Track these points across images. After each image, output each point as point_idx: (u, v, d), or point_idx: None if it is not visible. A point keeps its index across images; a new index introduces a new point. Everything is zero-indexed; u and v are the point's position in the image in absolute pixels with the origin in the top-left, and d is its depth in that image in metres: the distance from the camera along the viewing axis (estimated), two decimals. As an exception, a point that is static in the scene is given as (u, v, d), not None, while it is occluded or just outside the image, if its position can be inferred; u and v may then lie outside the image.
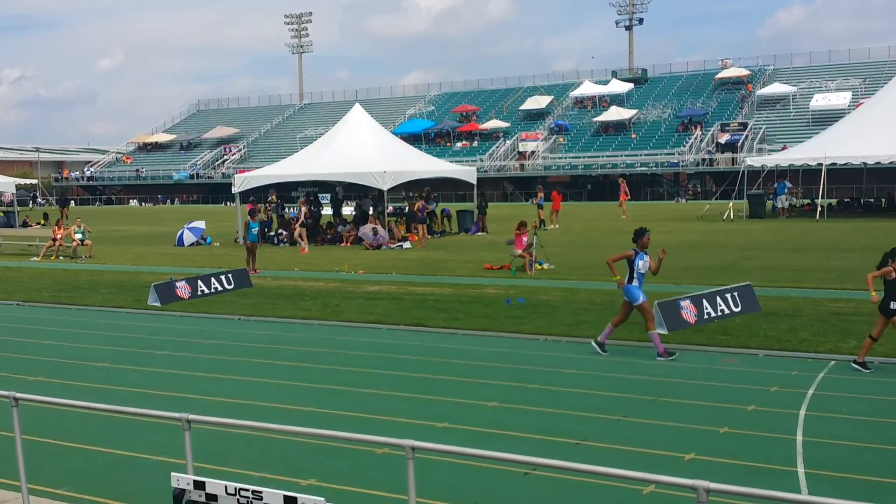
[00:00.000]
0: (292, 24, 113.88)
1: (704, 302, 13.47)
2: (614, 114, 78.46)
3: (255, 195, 35.51)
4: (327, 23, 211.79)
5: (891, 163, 37.70)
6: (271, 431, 6.97)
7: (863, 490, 6.64)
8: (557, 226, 36.43)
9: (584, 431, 8.28)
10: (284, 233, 32.35)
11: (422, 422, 8.72)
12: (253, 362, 12.01)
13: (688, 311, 13.13)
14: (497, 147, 79.95)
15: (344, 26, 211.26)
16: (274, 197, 36.21)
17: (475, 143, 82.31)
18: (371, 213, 33.07)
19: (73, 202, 53.63)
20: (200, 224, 34.12)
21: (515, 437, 8.13)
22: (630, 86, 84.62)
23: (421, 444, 4.76)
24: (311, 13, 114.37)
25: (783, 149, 52.77)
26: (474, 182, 36.93)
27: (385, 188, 30.78)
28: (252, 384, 10.70)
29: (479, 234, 33.77)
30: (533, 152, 77.42)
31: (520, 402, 9.44)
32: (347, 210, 38.46)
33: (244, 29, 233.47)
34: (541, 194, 37.73)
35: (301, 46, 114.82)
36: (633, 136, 75.56)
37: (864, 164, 41.87)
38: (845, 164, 39.58)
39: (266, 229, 33.80)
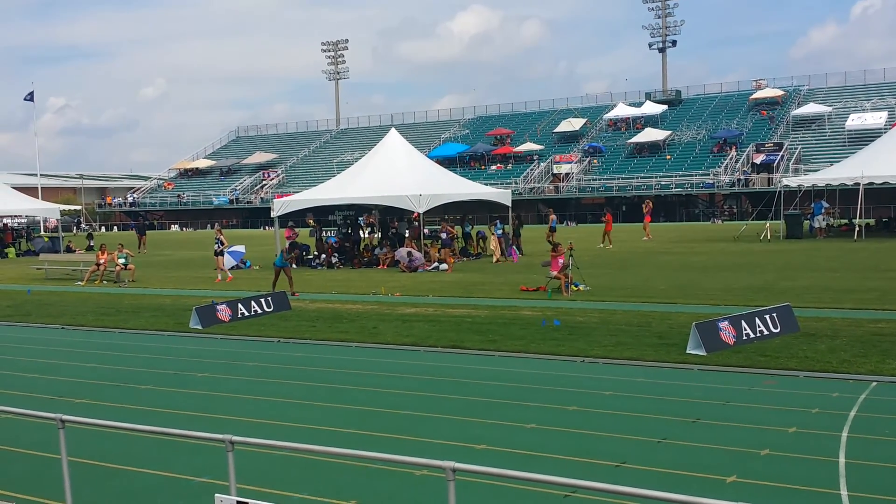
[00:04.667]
0: (329, 51, 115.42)
1: (743, 323, 13.38)
2: (648, 135, 78.24)
3: (294, 220, 35.86)
4: (362, 49, 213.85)
5: (932, 181, 37.15)
6: (313, 453, 7.07)
7: (908, 513, 6.56)
8: (611, 245, 36.44)
9: (623, 454, 8.26)
10: (323, 256, 32.64)
11: (460, 443, 8.76)
12: (293, 384, 12.13)
13: (726, 333, 13.04)
14: (531, 169, 79.98)
15: (378, 52, 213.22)
16: (311, 221, 36.54)
17: (509, 166, 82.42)
18: (407, 235, 33.22)
19: (146, 228, 51.45)
20: (240, 248, 34.51)
21: (554, 459, 8.14)
22: (664, 107, 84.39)
23: (462, 465, 4.80)
24: (347, 40, 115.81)
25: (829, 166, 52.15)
26: (509, 204, 36.98)
27: (421, 211, 30.95)
28: (292, 406, 10.81)
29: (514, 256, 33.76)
30: (567, 174, 77.32)
31: (558, 424, 9.44)
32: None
33: (282, 57, 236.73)
34: (552, 216, 37.78)
35: (338, 73, 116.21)
36: (668, 157, 75.21)
37: (904, 182, 41.26)
38: (883, 183, 39.05)
39: (304, 253, 34.17)
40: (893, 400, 9.95)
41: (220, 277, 28.01)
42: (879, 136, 49.98)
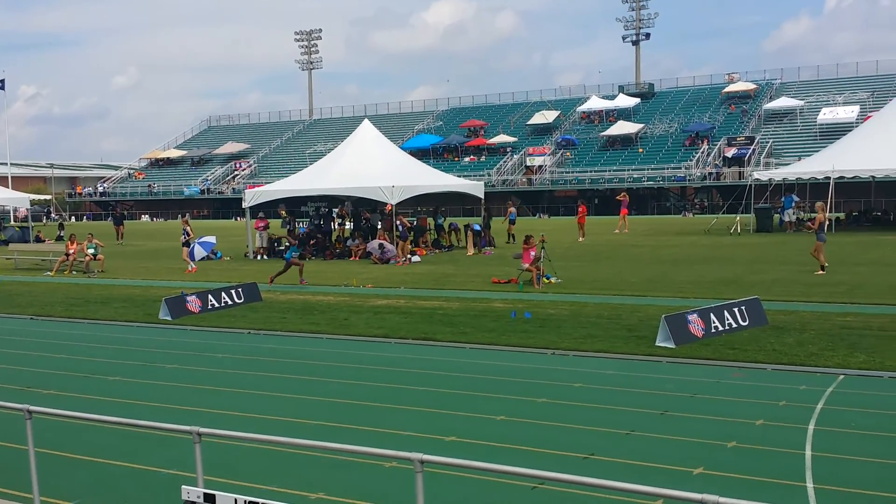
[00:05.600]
0: (302, 40, 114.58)
1: (712, 316, 13.49)
2: (621, 128, 78.58)
3: (265, 210, 35.66)
4: (336, 39, 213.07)
5: (899, 176, 37.63)
6: (281, 445, 7.02)
7: (872, 505, 6.65)
8: (583, 238, 36.61)
9: (592, 445, 8.30)
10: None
11: (430, 435, 8.76)
12: (262, 376, 12.07)
13: (695, 325, 13.14)
14: (504, 162, 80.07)
15: (351, 42, 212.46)
16: (283, 212, 36.36)
17: (483, 158, 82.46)
18: (379, 227, 33.15)
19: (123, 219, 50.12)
20: (211, 239, 34.26)
21: (523, 450, 8.16)
22: (637, 100, 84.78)
23: (430, 457, 4.80)
24: (320, 30, 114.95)
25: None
26: (482, 196, 37.01)
27: (393, 202, 30.89)
28: (262, 397, 10.76)
29: (487, 248, 33.83)
30: (540, 167, 77.50)
31: (528, 416, 9.46)
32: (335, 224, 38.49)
33: (255, 46, 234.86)
34: (511, 209, 37.84)
35: (311, 63, 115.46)
36: (640, 150, 75.60)
37: (873, 177, 41.79)
38: (853, 177, 39.50)
39: (275, 244, 33.99)
40: (860, 393, 10.07)
41: (191, 267, 27.80)
42: (851, 130, 50.58)
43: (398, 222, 31.10)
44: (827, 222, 22.18)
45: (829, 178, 37.42)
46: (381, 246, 29.37)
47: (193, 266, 28.03)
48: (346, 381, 11.56)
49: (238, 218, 69.83)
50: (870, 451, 7.90)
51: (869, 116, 54.81)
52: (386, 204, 31.53)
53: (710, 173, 68.80)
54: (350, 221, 36.70)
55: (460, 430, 8.94)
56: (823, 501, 6.73)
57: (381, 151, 34.79)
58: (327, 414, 9.78)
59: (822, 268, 21.48)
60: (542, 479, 6.60)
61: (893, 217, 42.58)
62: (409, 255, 29.71)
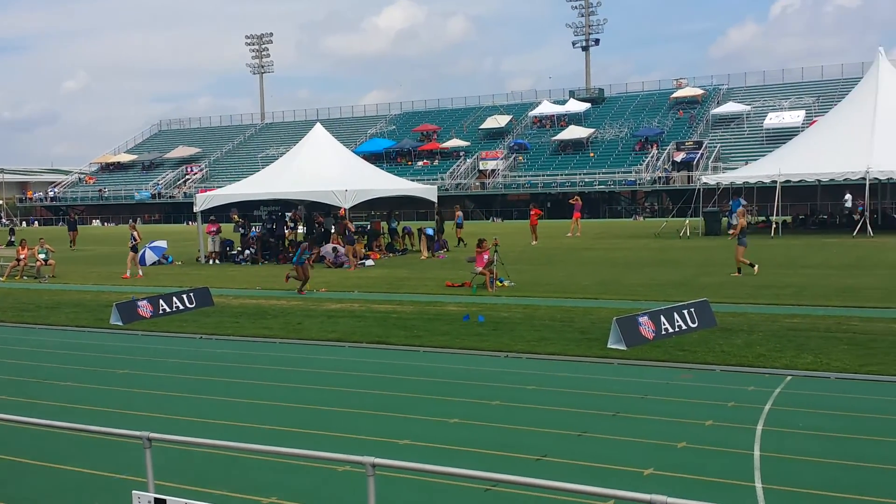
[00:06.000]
0: (253, 44, 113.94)
1: (662, 318, 13.66)
2: (572, 133, 79.31)
3: (217, 215, 35.31)
4: (287, 43, 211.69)
5: (845, 179, 38.51)
6: (232, 449, 6.97)
7: None
8: (536, 241, 36.85)
9: (544, 447, 8.35)
10: (248, 252, 32.25)
11: (383, 439, 8.74)
12: (214, 381, 11.94)
13: (646, 328, 13.30)
14: (458, 166, 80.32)
15: (303, 46, 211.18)
16: (236, 216, 36.02)
17: (436, 162, 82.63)
18: (332, 231, 33.01)
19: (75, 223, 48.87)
20: (162, 243, 33.85)
21: (476, 453, 8.19)
22: (587, 105, 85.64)
23: (381, 460, 4.80)
24: (271, 34, 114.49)
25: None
26: (435, 200, 37.09)
27: (347, 206, 30.80)
28: (214, 402, 10.65)
29: (440, 252, 33.88)
30: (493, 171, 77.89)
31: (481, 418, 9.50)
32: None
33: (205, 50, 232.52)
34: (458, 213, 37.98)
35: (262, 66, 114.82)
36: (591, 154, 76.37)
37: (818, 181, 42.71)
38: (799, 181, 40.35)
39: (227, 248, 33.65)
40: (807, 394, 10.27)
41: (139, 273, 27.40)
42: (797, 135, 51.67)
43: (344, 226, 30.92)
44: (747, 227, 22.70)
45: (775, 182, 38.18)
46: (334, 250, 29.26)
47: (139, 272, 27.61)
48: (298, 385, 11.50)
49: (190, 222, 69.05)
50: (817, 451, 8.06)
51: (814, 121, 56.00)
52: (339, 208, 31.42)
53: (660, 177, 69.74)
54: (303, 225, 36.48)
55: (414, 433, 8.94)
56: (771, 501, 6.85)
57: (334, 155, 34.72)
58: (280, 418, 9.72)
59: (739, 270, 21.95)
60: (494, 481, 6.65)
61: (838, 220, 43.55)
62: (362, 259, 29.64)
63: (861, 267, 23.55)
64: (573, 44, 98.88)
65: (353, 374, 12.05)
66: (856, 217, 38.43)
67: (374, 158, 74.31)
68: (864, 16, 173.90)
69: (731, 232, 26.93)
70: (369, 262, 29.44)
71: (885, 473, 7.37)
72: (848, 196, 46.44)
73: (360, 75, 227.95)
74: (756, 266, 21.84)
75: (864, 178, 35.96)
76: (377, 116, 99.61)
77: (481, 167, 79.11)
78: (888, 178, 37.57)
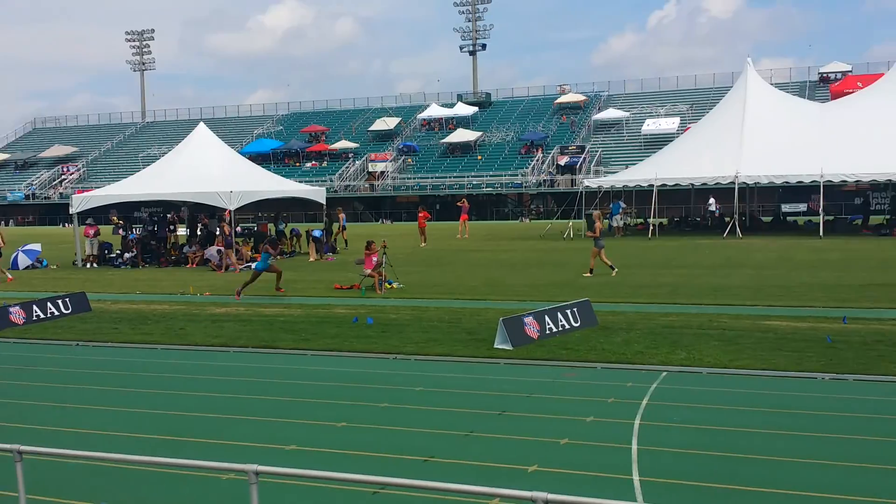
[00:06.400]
0: (134, 40, 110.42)
1: (546, 318, 13.98)
2: (460, 136, 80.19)
3: (94, 216, 34.05)
4: (169, 40, 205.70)
5: (716, 184, 40.27)
6: (110, 461, 6.75)
7: (694, 495, 7.06)
8: (425, 243, 37.02)
9: (432, 448, 8.43)
10: (127, 255, 31.22)
11: (270, 445, 8.64)
12: (91, 389, 11.53)
13: (531, 328, 13.59)
14: (347, 167, 79.95)
15: (186, 44, 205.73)
16: (115, 218, 34.84)
17: (324, 164, 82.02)
18: (217, 233, 32.33)
19: None
20: (36, 246, 32.37)
21: (364, 456, 8.20)
22: (475, 109, 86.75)
23: (264, 468, 4.76)
24: (153, 30, 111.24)
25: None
26: (323, 202, 36.84)
27: (232, 208, 30.23)
28: (92, 412, 10.28)
29: (329, 254, 33.67)
30: (382, 173, 77.91)
31: (369, 421, 9.51)
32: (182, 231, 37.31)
33: (82, 45, 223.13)
34: (342, 215, 38.03)
35: (143, 64, 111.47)
36: (479, 157, 77.37)
37: (692, 184, 44.54)
38: (675, 185, 41.99)
39: (106, 251, 32.49)
40: (681, 388, 10.70)
41: (8, 277, 26.17)
42: (672, 141, 53.72)
43: (220, 229, 30.37)
44: (604, 229, 23.63)
45: (652, 185, 39.63)
46: (219, 252, 28.67)
47: (9, 276, 26.37)
48: (181, 392, 11.22)
49: (66, 224, 66.34)
50: (691, 443, 8.41)
51: (688, 128, 58.37)
52: (225, 210, 30.82)
53: (545, 180, 71.29)
54: (186, 228, 35.61)
55: (301, 438, 8.88)
56: (648, 493, 7.11)
57: (218, 156, 34.02)
58: (161, 427, 9.46)
59: (591, 271, 22.86)
60: (381, 484, 6.69)
61: (710, 222, 45.53)
62: (248, 262, 29.14)
63: (730, 267, 24.70)
64: (461, 48, 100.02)
65: (239, 380, 11.85)
66: (726, 220, 40.27)
67: (261, 159, 73.24)
68: (735, 27, 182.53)
69: (587, 233, 27.76)
70: (255, 266, 28.91)
71: (755, 463, 7.77)
72: (712, 200, 48.64)
73: (246, 74, 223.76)
74: (615, 269, 22.53)
75: (733, 183, 37.73)
76: (264, 116, 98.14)
77: (370, 169, 79.03)
78: (755, 183, 39.50)
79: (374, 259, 21.19)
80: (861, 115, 38.92)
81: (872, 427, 8.77)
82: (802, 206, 54.36)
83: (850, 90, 60.14)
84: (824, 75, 78.09)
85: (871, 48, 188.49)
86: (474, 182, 72.48)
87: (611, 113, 79.82)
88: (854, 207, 49.77)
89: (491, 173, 73.31)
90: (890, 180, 38.39)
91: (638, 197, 46.75)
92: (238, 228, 33.86)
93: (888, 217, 42.98)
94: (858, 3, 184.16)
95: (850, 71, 76.50)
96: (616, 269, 22.46)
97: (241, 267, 28.32)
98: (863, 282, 20.11)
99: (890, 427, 8.78)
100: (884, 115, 37.79)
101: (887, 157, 35.65)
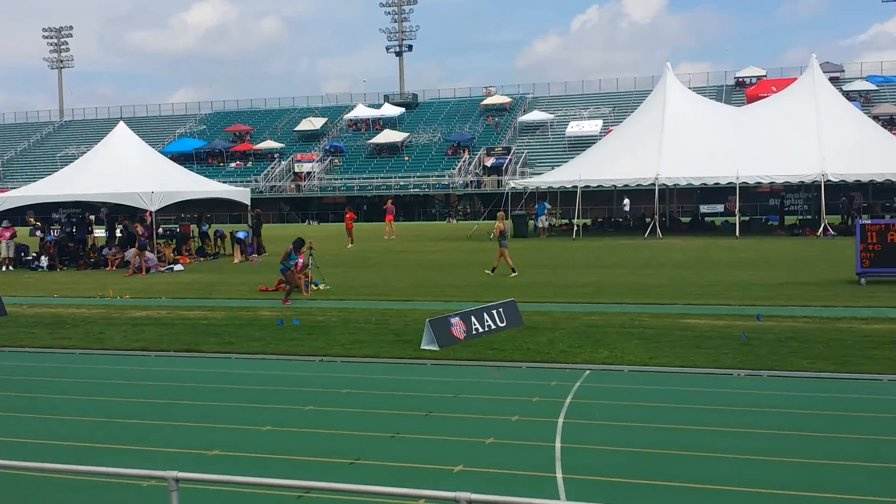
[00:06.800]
0: (51, 37, 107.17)
1: (472, 318, 14.09)
2: (387, 136, 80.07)
3: (10, 217, 32.97)
4: (87, 37, 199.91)
5: (637, 185, 41.09)
6: (26, 470, 6.58)
7: (616, 491, 7.20)
8: (352, 245, 36.85)
9: (358, 450, 8.42)
10: (44, 257, 30.31)
11: (193, 450, 8.52)
12: (7, 396, 11.16)
13: (457, 328, 13.67)
14: (272, 168, 79.05)
15: (105, 41, 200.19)
16: (32, 219, 33.80)
17: (249, 164, 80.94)
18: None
19: None
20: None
21: (290, 460, 8.14)
22: (402, 110, 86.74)
23: (184, 474, 4.70)
24: (71, 27, 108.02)
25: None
26: (248, 203, 36.39)
27: (153, 209, 29.64)
28: (6, 419, 9.95)
29: (254, 255, 33.26)
30: (309, 173, 77.28)
31: (294, 424, 9.45)
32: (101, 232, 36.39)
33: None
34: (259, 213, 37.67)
35: (61, 61, 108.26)
36: (406, 158, 77.39)
37: (615, 186, 45.33)
38: (597, 186, 42.68)
39: (23, 253, 31.47)
40: (604, 386, 10.91)
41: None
42: (595, 143, 54.60)
43: (135, 230, 29.68)
44: (506, 230, 24.03)
45: (576, 186, 40.24)
46: (140, 254, 28.03)
47: None
48: (100, 398, 10.96)
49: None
50: (613, 440, 8.58)
51: (610, 130, 59.46)
52: (146, 211, 30.19)
53: (472, 181, 71.69)
54: (105, 229, 34.74)
55: (225, 443, 8.77)
56: (571, 490, 7.24)
57: (139, 155, 33.35)
58: (80, 434, 9.24)
59: (493, 269, 23.22)
60: (306, 488, 6.67)
61: (632, 223, 46.46)
62: (171, 264, 28.64)
63: (651, 266, 25.27)
64: (387, 49, 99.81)
65: (160, 385, 11.64)
66: (647, 220, 41.14)
67: (184, 159, 71.91)
68: (655, 32, 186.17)
69: (491, 236, 27.99)
70: (178, 267, 28.46)
71: (675, 458, 7.98)
72: (626, 200, 49.63)
73: (168, 73, 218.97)
74: (516, 271, 22.85)
75: (653, 184, 38.59)
76: (186, 116, 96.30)
77: (296, 169, 78.31)
78: (675, 184, 40.45)
79: (301, 260, 21.02)
80: (775, 118, 40.25)
81: (785, 421, 9.08)
82: (720, 207, 55.88)
83: (765, 94, 62.13)
84: (740, 80, 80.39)
85: (784, 53, 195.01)
86: (401, 183, 72.46)
87: (536, 115, 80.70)
88: (769, 208, 51.37)
89: (418, 174, 73.41)
90: (803, 182, 39.76)
91: (563, 198, 47.38)
92: (160, 230, 33.22)
93: (801, 217, 44.53)
94: (772, 10, 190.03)
95: (765, 75, 78.90)
96: (516, 272, 22.76)
97: (163, 269, 27.78)
98: (777, 280, 20.81)
99: (802, 421, 9.12)
100: (797, 119, 39.14)
101: (801, 159, 36.94)
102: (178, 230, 34.86)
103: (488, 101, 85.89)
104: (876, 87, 73.86)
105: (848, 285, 19.56)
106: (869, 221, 21.45)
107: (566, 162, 52.69)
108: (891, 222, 20.77)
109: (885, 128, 54.14)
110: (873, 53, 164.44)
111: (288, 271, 19.53)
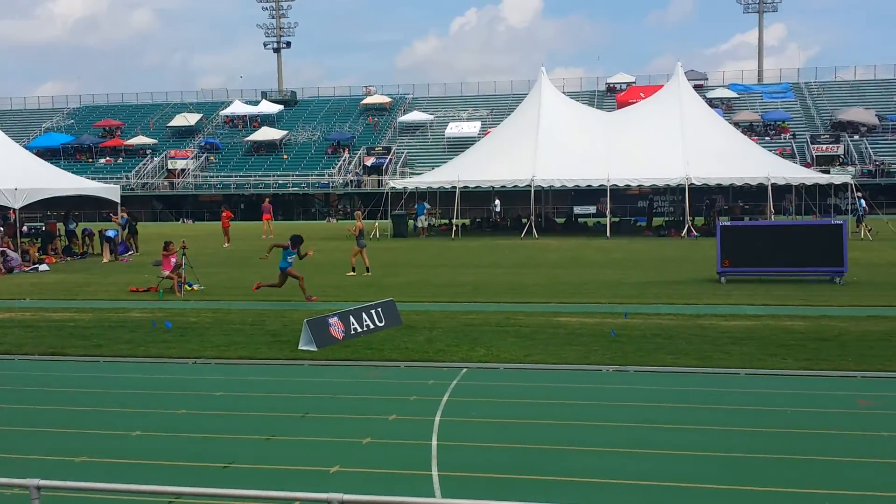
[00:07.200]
0: None
1: (351, 318, 14.09)
2: (265, 134, 78.75)
3: None
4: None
5: (514, 186, 41.91)
6: None
7: (491, 487, 7.37)
8: (228, 244, 36.16)
9: (232, 454, 8.31)
10: None
11: (58, 457, 8.21)
12: None
13: (336, 328, 13.65)
14: (144, 164, 76.50)
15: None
16: None
17: (120, 160, 78.05)
18: (1, 233, 30.08)
19: None
20: None
21: (161, 465, 7.97)
22: (280, 107, 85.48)
23: (47, 482, 4.57)
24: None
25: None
26: (118, 200, 35.11)
27: (17, 207, 28.24)
28: None
29: (129, 254, 32.17)
30: (183, 170, 75.19)
31: (165, 429, 9.23)
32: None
33: None
34: (124, 214, 36.66)
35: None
36: (285, 156, 76.34)
37: (492, 187, 46.06)
38: (476, 187, 43.31)
39: None
40: (480, 384, 11.11)
41: None
42: (473, 144, 55.34)
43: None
44: (364, 229, 24.35)
45: (455, 187, 40.71)
46: (2, 253, 26.71)
47: None
48: (-43, 406, 10.40)
49: None
50: (489, 436, 8.76)
51: (488, 132, 60.34)
52: (9, 209, 28.72)
53: (352, 181, 71.41)
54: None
55: (92, 449, 8.49)
56: (446, 487, 7.37)
57: (1, 150, 31.64)
58: (-66, 445, 8.76)
59: (354, 269, 23.56)
60: (176, 494, 6.54)
61: (509, 223, 47.38)
62: (35, 264, 27.37)
63: (527, 266, 25.86)
64: (265, 45, 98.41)
65: (24, 390, 11.14)
66: (523, 221, 42.04)
67: (50, 155, 68.81)
68: (531, 37, 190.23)
69: (347, 234, 27.86)
70: (44, 267, 27.23)
71: (550, 453, 8.22)
72: (497, 201, 50.63)
73: (34, 65, 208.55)
74: (370, 271, 23.25)
75: (529, 186, 39.46)
76: (53, 110, 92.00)
77: (170, 166, 76.05)
78: (550, 186, 41.51)
79: (173, 260, 20.49)
80: (644, 123, 41.83)
81: (651, 414, 9.50)
82: (592, 209, 57.61)
83: (634, 100, 64.41)
84: (611, 85, 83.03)
85: (652, 61, 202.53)
86: (280, 181, 71.45)
87: (415, 115, 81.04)
88: (638, 210, 53.30)
89: (297, 173, 72.54)
90: (669, 185, 41.46)
91: (442, 198, 47.81)
92: (24, 228, 31.70)
93: (667, 219, 46.44)
94: (641, 18, 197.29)
95: (634, 82, 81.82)
96: (370, 272, 22.98)
97: (27, 269, 26.53)
98: (644, 279, 21.67)
99: (665, 414, 9.56)
100: (664, 124, 40.79)
101: (667, 162, 38.53)
102: (43, 228, 33.35)
103: (368, 100, 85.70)
104: (737, 95, 77.71)
105: (709, 284, 20.56)
106: (729, 223, 22.62)
107: (446, 162, 53.15)
108: (749, 224, 21.97)
109: (745, 134, 57.25)
110: (735, 62, 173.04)
111: (289, 266, 18.92)
